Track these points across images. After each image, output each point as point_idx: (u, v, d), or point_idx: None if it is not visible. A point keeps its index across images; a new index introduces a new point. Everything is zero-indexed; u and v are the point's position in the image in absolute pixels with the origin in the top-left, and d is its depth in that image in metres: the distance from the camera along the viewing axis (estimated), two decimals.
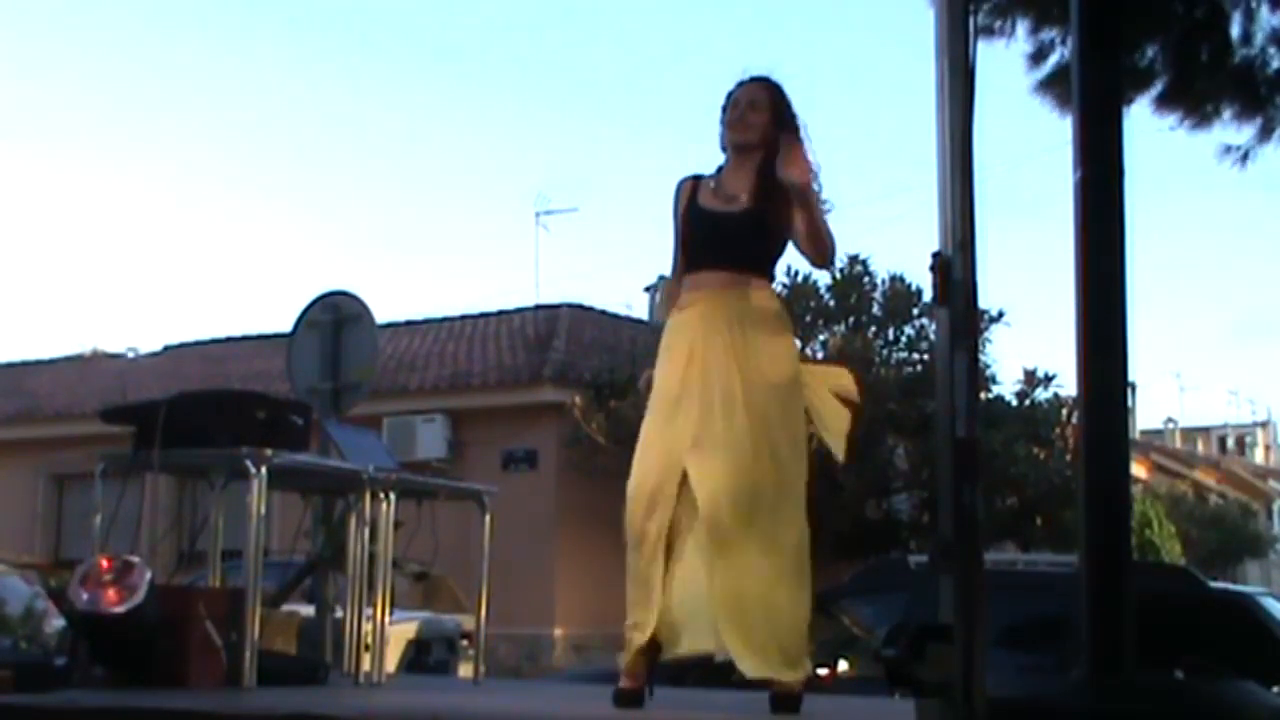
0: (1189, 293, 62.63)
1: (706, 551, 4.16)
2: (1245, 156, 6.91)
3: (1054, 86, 6.54)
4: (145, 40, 43.25)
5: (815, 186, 4.31)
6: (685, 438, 4.21)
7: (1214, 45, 6.51)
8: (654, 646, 4.27)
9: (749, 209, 4.31)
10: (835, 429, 4.50)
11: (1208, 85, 6.58)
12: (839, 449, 4.46)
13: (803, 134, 4.37)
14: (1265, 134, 6.83)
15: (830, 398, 4.53)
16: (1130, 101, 6.57)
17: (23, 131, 44.81)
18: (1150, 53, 6.52)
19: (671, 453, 4.23)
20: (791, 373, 4.37)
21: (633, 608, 4.28)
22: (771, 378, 4.27)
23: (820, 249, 4.34)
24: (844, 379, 4.60)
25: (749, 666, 4.15)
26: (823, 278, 16.41)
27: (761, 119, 4.36)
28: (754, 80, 4.44)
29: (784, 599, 4.19)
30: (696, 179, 4.47)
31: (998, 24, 6.54)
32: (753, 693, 4.40)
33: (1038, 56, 6.62)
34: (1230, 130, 6.87)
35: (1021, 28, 6.58)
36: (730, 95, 4.45)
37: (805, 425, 4.39)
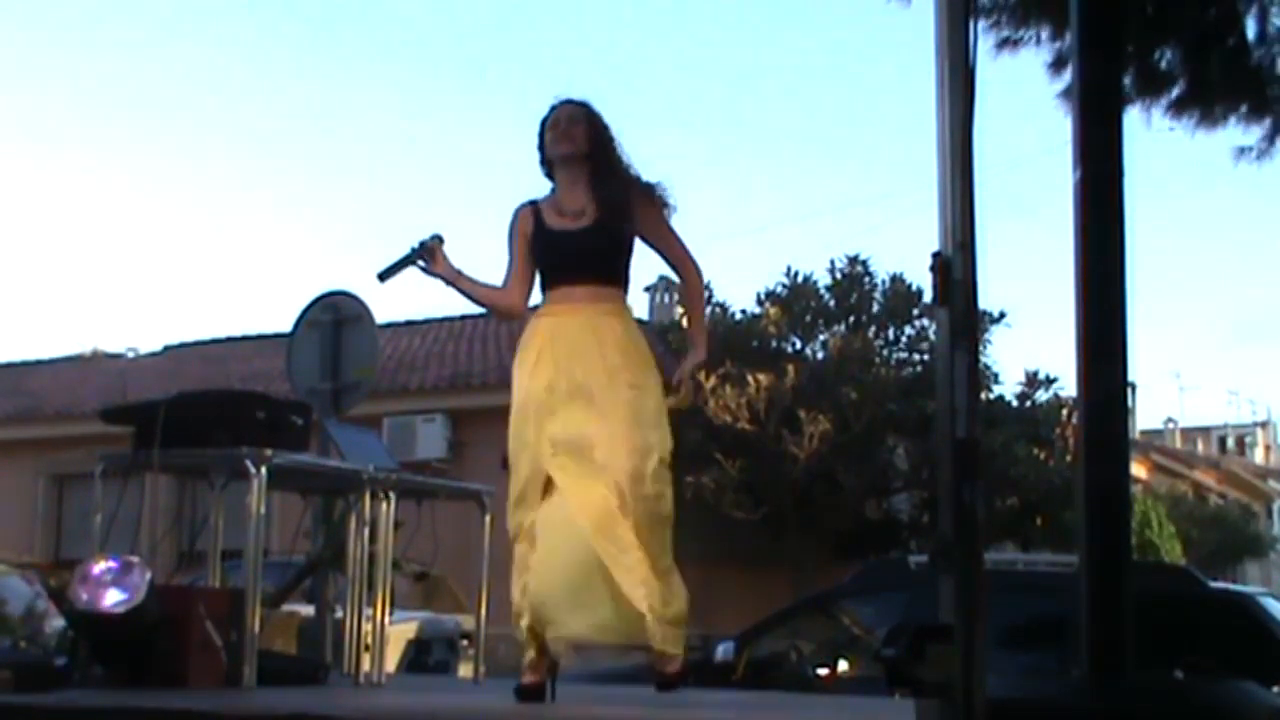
0: (1189, 293, 62.65)
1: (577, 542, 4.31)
2: (1260, 155, 6.92)
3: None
4: (145, 40, 43.29)
5: (657, 194, 4.61)
6: (545, 443, 4.41)
7: (1228, 47, 6.50)
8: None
9: (596, 223, 4.55)
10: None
11: (1221, 88, 6.57)
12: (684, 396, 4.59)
13: (619, 148, 4.64)
14: (1274, 134, 6.83)
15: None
16: (1149, 106, 6.58)
17: (23, 132, 44.85)
18: (1166, 56, 6.52)
19: (536, 458, 4.43)
20: (635, 379, 4.47)
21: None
22: (626, 376, 4.43)
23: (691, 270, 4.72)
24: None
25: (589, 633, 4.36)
26: (823, 278, 16.46)
27: (580, 130, 4.60)
28: (565, 102, 4.67)
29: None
30: (534, 204, 4.68)
31: (1021, 34, 6.53)
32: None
33: (1058, 65, 6.61)
34: (1238, 131, 6.87)
35: (1040, 36, 6.57)
36: (545, 120, 4.68)
37: (666, 427, 4.48)
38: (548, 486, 4.41)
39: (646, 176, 4.65)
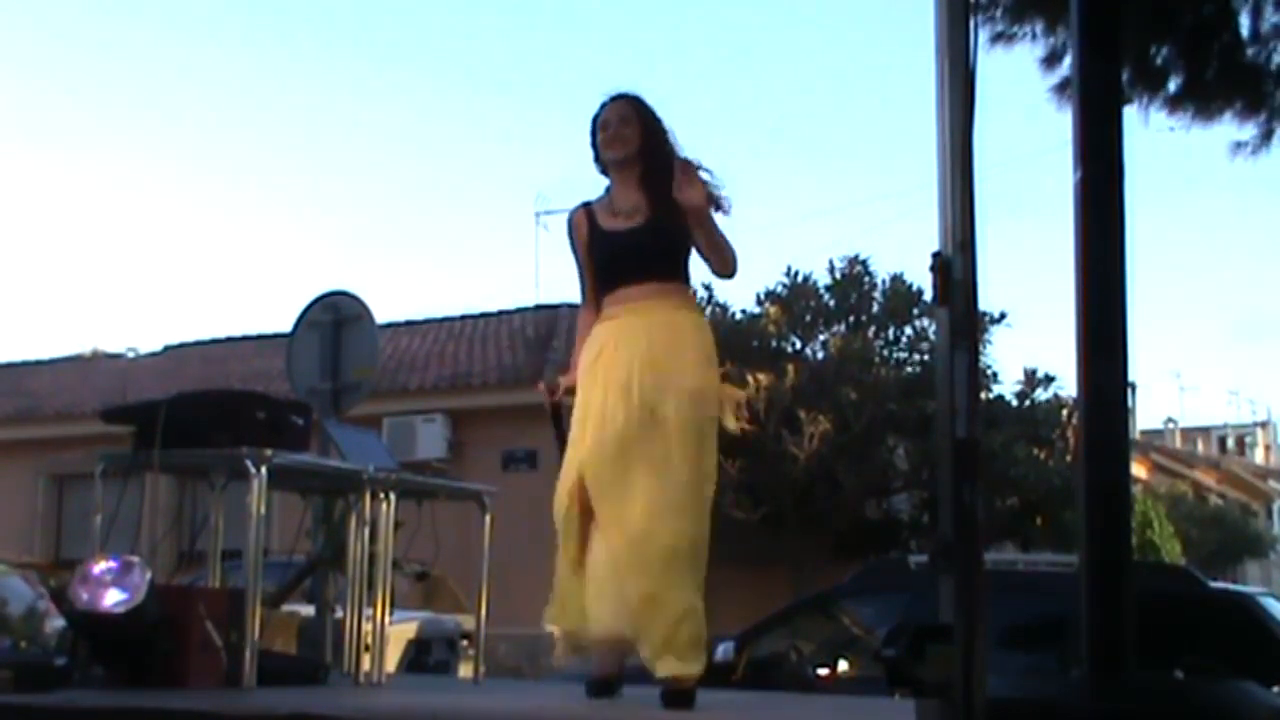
0: (1189, 293, 62.64)
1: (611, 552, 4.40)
2: (1255, 150, 6.93)
3: (1067, 88, 6.54)
4: (145, 40, 43.27)
5: (713, 188, 4.48)
6: (593, 451, 4.41)
7: (1223, 44, 6.51)
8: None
9: (650, 221, 4.47)
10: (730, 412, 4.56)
11: (1216, 84, 6.58)
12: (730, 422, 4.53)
13: (672, 140, 4.56)
14: (1268, 131, 6.84)
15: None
16: (1146, 103, 6.57)
17: (23, 132, 44.83)
18: (1162, 53, 6.52)
19: (582, 465, 4.46)
20: (702, 383, 4.42)
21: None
22: (682, 385, 4.35)
23: (722, 260, 4.51)
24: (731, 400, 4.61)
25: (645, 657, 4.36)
26: (823, 278, 16.45)
27: (633, 131, 4.53)
28: (617, 98, 4.60)
29: (669, 596, 4.30)
30: (587, 206, 4.62)
31: (1015, 30, 6.53)
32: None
33: (1050, 60, 6.62)
34: (1234, 127, 6.88)
35: (1034, 31, 6.57)
36: (596, 118, 4.61)
37: (713, 440, 4.44)
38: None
39: (698, 160, 4.52)
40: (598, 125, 4.59)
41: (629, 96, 4.59)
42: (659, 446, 4.30)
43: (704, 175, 4.46)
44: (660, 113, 4.58)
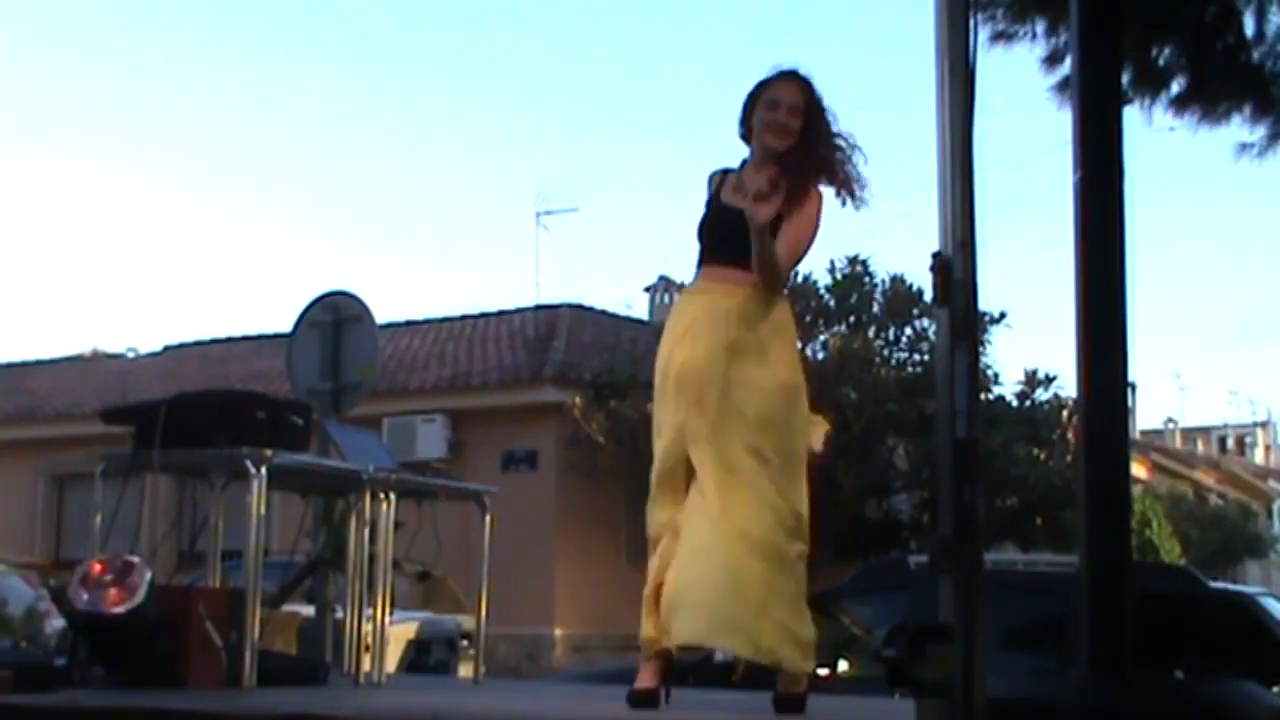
0: (1189, 293, 62.65)
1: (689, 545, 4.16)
2: (1261, 153, 6.92)
3: (1068, 88, 6.54)
4: (145, 40, 43.26)
5: (850, 168, 4.35)
6: (688, 428, 4.21)
7: (1227, 45, 6.50)
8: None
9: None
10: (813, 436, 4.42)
11: (1222, 85, 6.57)
12: (817, 445, 4.40)
13: (834, 126, 4.37)
14: (1276, 133, 6.83)
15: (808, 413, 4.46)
16: (1149, 104, 6.57)
17: (22, 132, 44.81)
18: (1165, 54, 6.51)
19: (675, 444, 4.24)
20: (783, 378, 4.29)
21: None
22: (758, 379, 4.23)
23: (767, 281, 4.29)
24: (820, 428, 4.47)
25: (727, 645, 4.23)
26: (823, 278, 16.44)
27: (799, 124, 4.34)
28: (793, 77, 4.39)
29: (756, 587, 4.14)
30: (725, 172, 4.46)
31: (1016, 29, 6.53)
32: (757, 692, 4.41)
33: (1052, 60, 6.61)
34: (1243, 130, 6.87)
35: (1035, 31, 6.56)
36: (765, 86, 4.38)
37: (798, 433, 4.31)
38: (690, 477, 4.22)
39: (853, 154, 4.39)
40: (764, 97, 4.36)
41: (806, 82, 4.38)
42: (738, 441, 4.17)
43: (852, 163, 4.33)
44: (827, 103, 4.39)
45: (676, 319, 4.42)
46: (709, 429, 4.19)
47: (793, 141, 4.34)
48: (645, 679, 4.27)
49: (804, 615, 4.25)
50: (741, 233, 4.19)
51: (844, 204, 4.41)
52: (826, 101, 4.40)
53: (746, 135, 4.45)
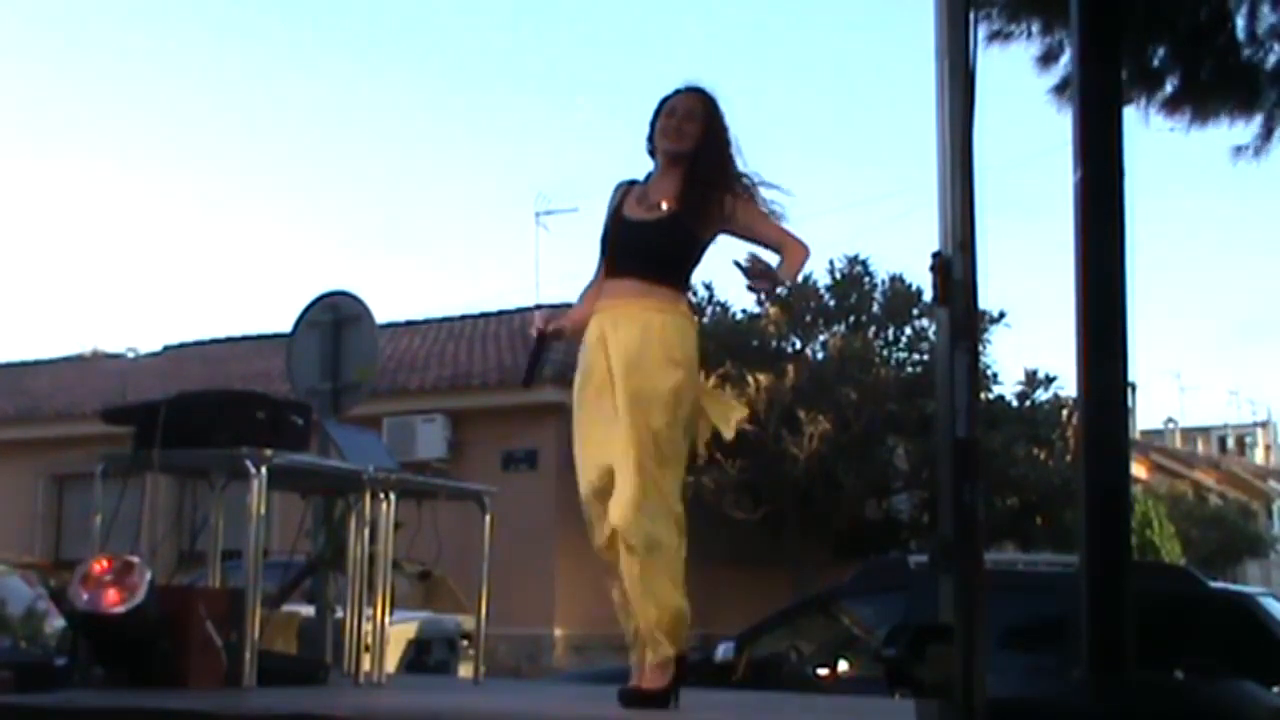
0: (1189, 293, 62.64)
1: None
2: (1257, 152, 6.92)
3: (1066, 90, 6.55)
4: (145, 40, 43.28)
5: (763, 192, 4.44)
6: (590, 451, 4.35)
7: (1219, 45, 6.51)
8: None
9: (666, 218, 4.38)
10: (728, 421, 4.52)
11: (1214, 85, 6.57)
12: (728, 431, 4.49)
13: (733, 149, 4.47)
14: (1268, 131, 6.84)
15: (721, 401, 4.59)
16: (1144, 104, 6.57)
17: (22, 131, 44.83)
18: (1159, 54, 6.52)
19: (598, 455, 4.35)
20: (674, 382, 4.32)
21: None
22: (656, 388, 4.28)
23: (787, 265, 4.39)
24: (736, 412, 4.59)
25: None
26: (823, 278, 16.45)
27: (695, 130, 4.44)
28: (691, 90, 4.51)
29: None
30: (631, 184, 4.56)
31: (1012, 29, 6.54)
32: (757, 692, 4.42)
33: (1046, 59, 6.62)
34: (1236, 129, 6.88)
35: (1031, 29, 6.57)
36: (665, 101, 4.51)
37: (685, 439, 4.37)
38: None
39: (757, 175, 4.47)
40: (663, 109, 4.48)
41: (703, 93, 4.49)
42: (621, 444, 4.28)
43: (764, 191, 4.44)
44: (728, 119, 4.49)
45: (585, 340, 4.49)
46: (621, 438, 4.27)
47: (689, 146, 4.43)
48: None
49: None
50: (642, 246, 4.37)
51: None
52: (729, 123, 4.49)
53: (652, 150, 4.55)
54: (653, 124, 4.51)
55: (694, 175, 4.40)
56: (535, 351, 4.74)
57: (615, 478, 4.27)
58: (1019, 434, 16.12)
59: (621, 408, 4.27)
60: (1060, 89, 6.61)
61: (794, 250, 4.39)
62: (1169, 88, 6.63)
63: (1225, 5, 6.49)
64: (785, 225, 4.43)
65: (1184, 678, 5.04)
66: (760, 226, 4.42)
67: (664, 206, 4.38)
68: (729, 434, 4.48)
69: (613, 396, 4.30)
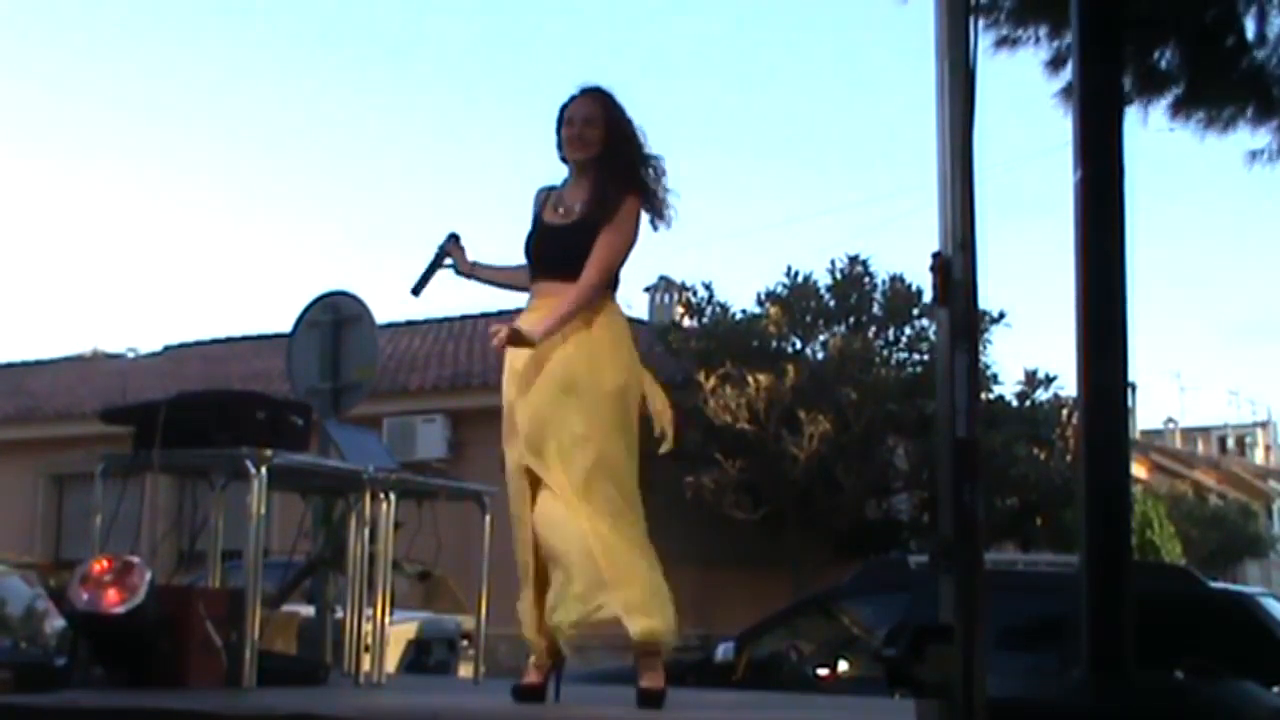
0: (1189, 293, 62.62)
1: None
2: (1273, 158, 6.90)
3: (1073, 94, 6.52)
4: (144, 41, 43.29)
5: (661, 200, 4.53)
6: (516, 453, 4.45)
7: (1227, 48, 6.49)
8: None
9: (579, 221, 4.48)
10: (664, 421, 4.58)
11: (1223, 88, 6.55)
12: (668, 438, 4.55)
13: (639, 141, 4.54)
14: None
15: (661, 400, 4.63)
16: (1148, 106, 6.56)
17: (22, 132, 44.84)
18: (1166, 57, 6.50)
19: (512, 471, 4.47)
20: (610, 384, 4.41)
21: None
22: (588, 389, 4.37)
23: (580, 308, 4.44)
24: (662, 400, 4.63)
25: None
26: (823, 278, 16.45)
27: (597, 135, 4.52)
28: (586, 93, 4.57)
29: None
30: (550, 190, 4.65)
31: (1019, 34, 6.52)
32: (756, 692, 4.42)
33: (1055, 64, 6.60)
34: (1246, 133, 6.85)
35: (1038, 35, 6.56)
36: (564, 109, 4.57)
37: (634, 429, 4.46)
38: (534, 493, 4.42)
39: (663, 178, 4.56)
40: (563, 118, 4.57)
41: (598, 93, 4.56)
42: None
43: (661, 184, 4.52)
44: (628, 112, 4.57)
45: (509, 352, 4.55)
46: (554, 444, 4.35)
47: (595, 151, 4.52)
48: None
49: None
50: (560, 251, 4.46)
51: (653, 224, 4.58)
52: (630, 114, 4.57)
53: (563, 157, 4.63)
54: (557, 132, 4.59)
55: (600, 177, 4.50)
56: (432, 266, 4.73)
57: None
58: (1019, 434, 16.12)
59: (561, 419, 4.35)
60: (1068, 92, 6.59)
61: (579, 284, 4.43)
62: (1176, 91, 6.61)
63: (1234, 7, 6.47)
64: (600, 258, 4.44)
65: (1184, 678, 5.04)
66: (600, 240, 4.44)
67: (577, 209, 4.49)
68: (668, 431, 4.53)
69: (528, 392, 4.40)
